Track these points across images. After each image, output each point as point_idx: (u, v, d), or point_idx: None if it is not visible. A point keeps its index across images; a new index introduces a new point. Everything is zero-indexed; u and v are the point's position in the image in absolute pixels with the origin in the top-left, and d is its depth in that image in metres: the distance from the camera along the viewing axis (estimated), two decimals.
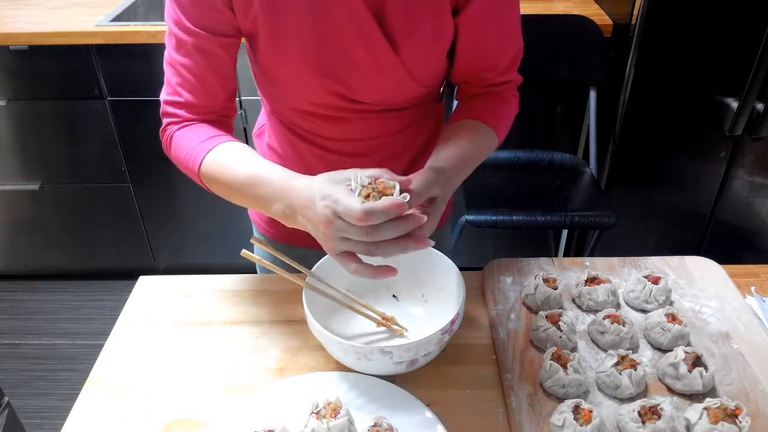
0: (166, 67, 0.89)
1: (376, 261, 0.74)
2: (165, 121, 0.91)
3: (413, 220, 0.70)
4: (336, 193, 0.70)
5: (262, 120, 1.09)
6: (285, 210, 0.77)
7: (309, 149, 1.00)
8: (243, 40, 0.90)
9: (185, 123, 0.89)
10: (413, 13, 0.84)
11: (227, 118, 0.94)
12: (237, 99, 2.02)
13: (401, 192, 0.72)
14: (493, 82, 0.96)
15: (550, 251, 2.41)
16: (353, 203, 0.68)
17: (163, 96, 0.90)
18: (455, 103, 1.00)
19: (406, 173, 0.80)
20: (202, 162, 0.85)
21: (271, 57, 0.87)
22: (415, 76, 0.89)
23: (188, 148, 0.87)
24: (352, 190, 0.71)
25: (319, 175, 0.75)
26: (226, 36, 0.86)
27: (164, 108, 0.91)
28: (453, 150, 0.86)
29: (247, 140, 1.97)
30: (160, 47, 0.89)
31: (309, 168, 1.01)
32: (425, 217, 0.71)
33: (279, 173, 0.80)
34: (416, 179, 0.75)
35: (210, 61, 0.86)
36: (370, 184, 0.72)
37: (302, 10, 0.83)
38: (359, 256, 0.73)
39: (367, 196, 0.70)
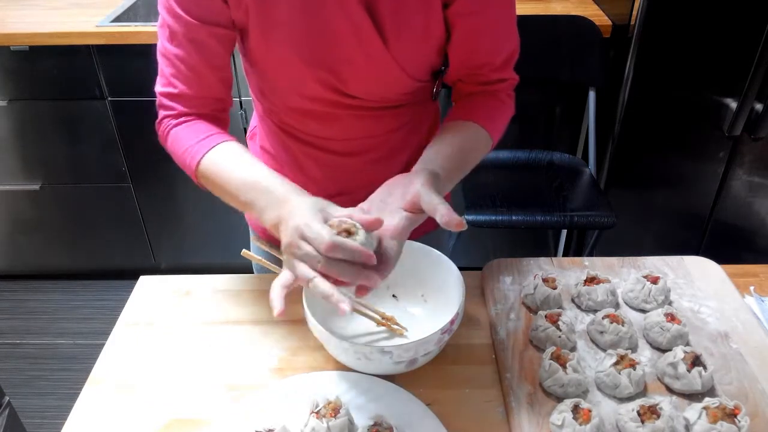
0: (159, 59, 0.89)
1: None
2: (161, 113, 0.91)
3: (370, 276, 0.70)
4: (310, 219, 0.70)
5: (254, 122, 1.09)
6: (275, 219, 0.76)
7: (301, 149, 1.00)
8: None
9: (182, 118, 0.89)
10: (403, 7, 0.84)
11: (222, 112, 0.93)
12: (237, 99, 2.03)
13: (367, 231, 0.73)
14: (488, 80, 0.95)
15: (549, 251, 2.42)
16: (324, 231, 0.68)
17: (158, 88, 0.90)
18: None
19: (402, 173, 0.79)
20: (200, 161, 0.85)
21: (263, 48, 0.87)
22: (406, 69, 0.89)
23: (186, 146, 0.87)
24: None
25: (306, 200, 0.74)
26: (218, 26, 0.85)
27: (160, 100, 0.90)
28: (442, 154, 0.85)
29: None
30: None
31: (302, 168, 1.01)
32: (379, 279, 0.71)
33: (281, 185, 0.79)
34: (422, 192, 0.75)
35: (202, 51, 0.86)
36: (338, 225, 0.72)
37: (293, 1, 0.83)
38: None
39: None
